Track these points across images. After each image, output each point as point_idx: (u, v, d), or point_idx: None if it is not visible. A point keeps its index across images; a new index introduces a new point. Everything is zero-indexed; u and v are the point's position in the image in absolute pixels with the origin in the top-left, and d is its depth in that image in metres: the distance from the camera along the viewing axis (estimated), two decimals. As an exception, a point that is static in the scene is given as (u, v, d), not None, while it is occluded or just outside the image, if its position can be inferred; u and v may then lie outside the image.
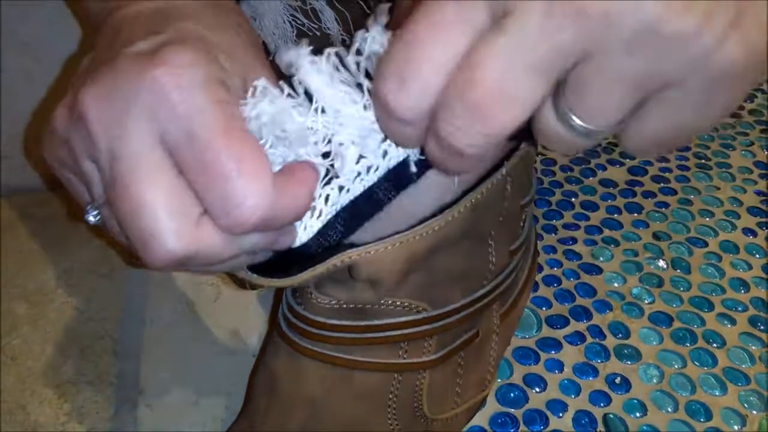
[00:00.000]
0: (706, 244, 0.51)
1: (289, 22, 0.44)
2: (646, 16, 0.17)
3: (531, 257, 0.40)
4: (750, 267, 0.49)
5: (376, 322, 0.30)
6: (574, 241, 0.51)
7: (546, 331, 0.44)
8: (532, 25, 0.17)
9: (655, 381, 0.41)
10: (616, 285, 0.48)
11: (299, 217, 0.24)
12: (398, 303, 0.30)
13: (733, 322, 0.45)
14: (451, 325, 0.32)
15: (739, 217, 0.54)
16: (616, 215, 0.54)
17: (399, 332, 0.30)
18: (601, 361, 0.42)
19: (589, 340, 0.44)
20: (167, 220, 0.22)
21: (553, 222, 0.53)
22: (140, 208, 0.22)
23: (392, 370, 0.31)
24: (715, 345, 0.44)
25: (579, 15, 0.17)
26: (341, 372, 0.31)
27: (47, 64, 0.50)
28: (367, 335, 0.30)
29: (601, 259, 0.50)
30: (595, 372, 0.42)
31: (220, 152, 0.21)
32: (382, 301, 0.29)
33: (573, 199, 0.56)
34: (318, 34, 0.46)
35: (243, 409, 0.38)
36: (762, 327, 0.45)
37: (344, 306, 0.30)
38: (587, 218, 0.54)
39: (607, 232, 0.52)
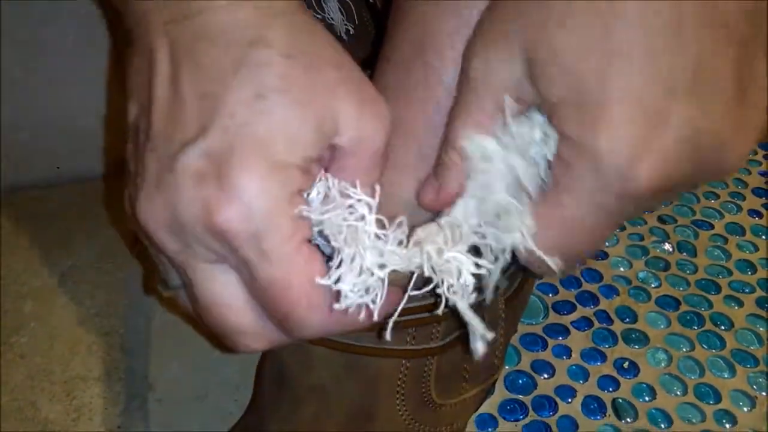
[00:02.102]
0: (712, 227, 0.51)
1: None
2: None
3: None
4: (756, 248, 0.49)
5: None
6: (579, 226, 0.51)
7: (553, 317, 0.44)
8: None
9: (663, 365, 0.41)
10: (622, 269, 0.48)
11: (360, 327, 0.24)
12: None
13: (740, 303, 0.45)
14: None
15: (744, 198, 0.54)
16: (620, 199, 0.54)
17: (407, 318, 0.30)
18: (609, 346, 0.42)
19: (597, 325, 0.44)
20: (247, 335, 0.24)
21: (558, 208, 0.53)
22: (223, 328, 0.24)
23: (400, 356, 0.31)
24: (722, 327, 0.44)
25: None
26: (349, 359, 0.31)
27: (45, 63, 0.49)
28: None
29: (607, 244, 0.50)
30: (603, 357, 0.42)
31: (276, 297, 0.22)
32: None
33: (577, 185, 0.55)
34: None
35: (251, 403, 0.38)
36: (769, 308, 0.45)
37: None
38: (592, 203, 0.54)
39: (612, 216, 0.52)
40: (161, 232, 0.22)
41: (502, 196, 0.23)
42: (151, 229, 0.22)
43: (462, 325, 0.32)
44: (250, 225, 0.21)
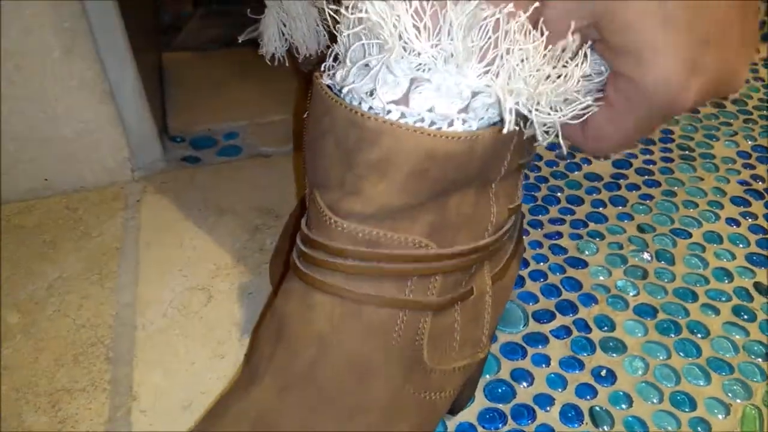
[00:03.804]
0: (690, 235, 0.52)
1: (324, 26, 0.44)
2: None
3: (518, 231, 0.41)
4: (734, 257, 0.50)
5: (387, 251, 0.31)
6: (560, 235, 0.52)
7: (533, 326, 0.45)
8: None
9: (640, 373, 0.42)
10: (601, 278, 0.49)
11: None
12: (410, 239, 0.31)
13: (716, 312, 0.46)
14: (453, 268, 0.33)
15: (722, 207, 0.55)
16: (601, 209, 0.55)
17: (407, 265, 0.32)
18: (587, 355, 0.43)
19: (575, 333, 0.44)
20: None
21: (539, 217, 0.54)
22: None
23: (398, 306, 0.32)
24: (699, 335, 0.44)
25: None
26: (350, 306, 0.32)
27: (31, 74, 0.50)
28: (379, 265, 0.31)
29: (587, 252, 0.51)
30: (581, 365, 0.42)
31: None
32: (393, 235, 0.31)
33: (558, 194, 0.56)
34: None
35: (245, 363, 0.37)
36: (745, 316, 0.46)
37: (357, 234, 0.31)
38: (573, 212, 0.54)
39: (592, 225, 0.53)
40: None
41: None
42: None
43: (455, 287, 0.34)
44: None
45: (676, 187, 0.57)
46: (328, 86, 0.30)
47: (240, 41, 0.45)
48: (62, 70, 0.50)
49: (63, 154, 0.55)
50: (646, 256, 0.50)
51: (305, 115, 0.32)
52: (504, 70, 0.27)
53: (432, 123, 0.28)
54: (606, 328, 0.45)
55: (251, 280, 0.49)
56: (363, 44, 0.28)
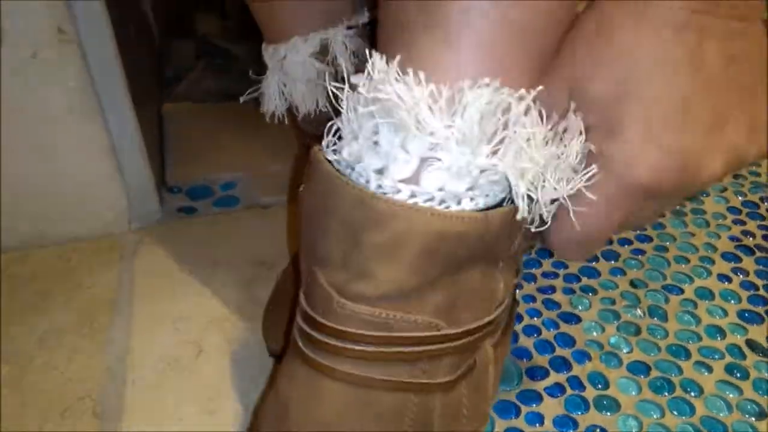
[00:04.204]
0: (682, 291, 0.52)
1: (324, 88, 0.45)
2: None
3: (512, 295, 0.41)
4: (726, 314, 0.50)
5: (398, 334, 0.30)
6: (553, 290, 0.52)
7: (527, 383, 0.45)
8: None
9: (634, 432, 0.42)
10: (594, 334, 0.48)
11: None
12: (420, 321, 0.31)
13: (710, 370, 0.46)
14: (463, 347, 0.33)
15: (713, 263, 0.55)
16: (593, 263, 0.55)
17: (418, 348, 0.31)
18: (581, 413, 0.43)
19: (569, 391, 0.44)
20: None
21: (533, 270, 0.54)
22: None
23: (410, 390, 0.32)
24: (692, 394, 0.44)
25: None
26: (358, 393, 0.31)
27: (30, 127, 0.51)
28: (389, 349, 0.31)
29: (580, 308, 0.51)
30: (575, 424, 0.42)
31: None
32: (404, 317, 0.30)
33: (551, 248, 0.57)
34: None
35: None
36: (738, 374, 0.45)
37: (367, 318, 0.30)
38: (565, 266, 0.55)
39: (585, 280, 0.53)
40: None
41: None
42: None
43: (462, 363, 0.33)
44: None
45: (667, 243, 0.57)
46: (332, 161, 0.30)
47: (241, 101, 0.46)
48: (64, 124, 0.51)
49: (60, 204, 0.55)
50: (638, 312, 0.50)
51: (300, 189, 0.32)
52: (512, 151, 0.27)
53: (442, 201, 0.28)
54: (600, 385, 0.45)
55: (244, 334, 0.48)
56: (375, 122, 0.28)
